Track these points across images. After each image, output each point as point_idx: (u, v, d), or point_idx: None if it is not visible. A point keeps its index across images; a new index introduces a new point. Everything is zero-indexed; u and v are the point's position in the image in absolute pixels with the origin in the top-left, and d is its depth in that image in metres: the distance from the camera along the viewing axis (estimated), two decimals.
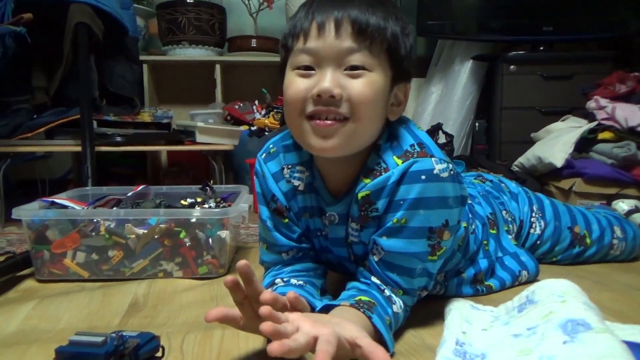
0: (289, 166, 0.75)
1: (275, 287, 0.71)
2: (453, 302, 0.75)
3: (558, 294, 0.60)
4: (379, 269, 0.68)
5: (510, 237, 0.94)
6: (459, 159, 1.99)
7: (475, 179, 1.07)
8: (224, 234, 0.98)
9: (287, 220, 0.76)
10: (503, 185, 1.05)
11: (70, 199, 1.11)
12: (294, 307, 0.59)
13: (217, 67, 2.39)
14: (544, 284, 0.64)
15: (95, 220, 0.96)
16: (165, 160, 2.55)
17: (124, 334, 0.54)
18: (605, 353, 0.47)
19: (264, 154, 0.78)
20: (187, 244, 0.98)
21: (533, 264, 0.92)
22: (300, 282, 0.71)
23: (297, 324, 0.53)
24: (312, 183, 0.74)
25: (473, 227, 0.85)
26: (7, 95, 1.61)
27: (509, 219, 0.97)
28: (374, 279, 0.68)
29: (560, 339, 0.51)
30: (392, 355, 0.62)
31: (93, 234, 0.96)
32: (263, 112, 2.23)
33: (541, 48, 2.25)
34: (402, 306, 0.67)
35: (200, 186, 1.26)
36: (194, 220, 0.97)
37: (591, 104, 1.79)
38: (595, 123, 1.73)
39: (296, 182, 0.75)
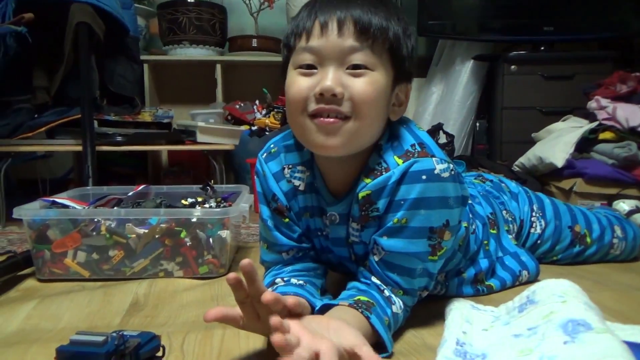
0: (290, 166, 0.75)
1: (275, 286, 0.71)
2: (453, 302, 0.75)
3: (559, 294, 0.60)
4: (379, 269, 0.68)
5: (510, 236, 0.95)
6: (460, 159, 1.98)
7: (475, 178, 1.07)
8: (225, 233, 0.98)
9: (287, 220, 0.76)
10: (503, 185, 1.05)
11: (71, 199, 1.11)
12: (295, 311, 0.59)
13: (218, 66, 2.39)
14: (544, 284, 0.64)
15: (96, 220, 0.96)
16: (166, 160, 2.55)
17: (125, 333, 0.54)
18: (605, 353, 0.47)
19: (265, 154, 0.78)
20: (188, 244, 0.98)
21: (533, 264, 0.92)
22: (301, 282, 0.71)
23: (297, 337, 0.53)
24: (313, 183, 0.74)
25: (473, 227, 0.85)
26: (8, 95, 1.62)
27: (510, 219, 0.97)
28: (374, 279, 0.68)
29: (561, 339, 0.51)
30: (391, 355, 0.62)
31: (94, 233, 0.96)
32: (264, 111, 2.23)
33: (542, 48, 2.25)
34: (402, 306, 0.67)
35: (200, 186, 1.26)
36: (194, 220, 0.97)
37: (592, 104, 1.79)
38: (596, 123, 1.74)
39: (297, 182, 0.75)
